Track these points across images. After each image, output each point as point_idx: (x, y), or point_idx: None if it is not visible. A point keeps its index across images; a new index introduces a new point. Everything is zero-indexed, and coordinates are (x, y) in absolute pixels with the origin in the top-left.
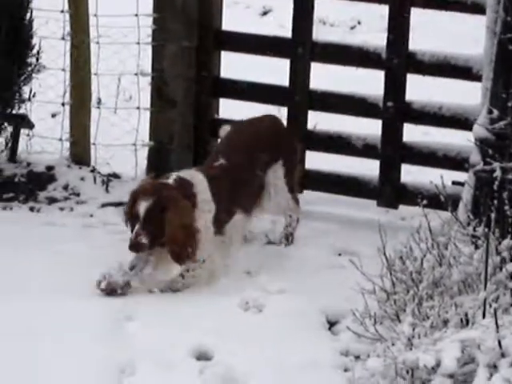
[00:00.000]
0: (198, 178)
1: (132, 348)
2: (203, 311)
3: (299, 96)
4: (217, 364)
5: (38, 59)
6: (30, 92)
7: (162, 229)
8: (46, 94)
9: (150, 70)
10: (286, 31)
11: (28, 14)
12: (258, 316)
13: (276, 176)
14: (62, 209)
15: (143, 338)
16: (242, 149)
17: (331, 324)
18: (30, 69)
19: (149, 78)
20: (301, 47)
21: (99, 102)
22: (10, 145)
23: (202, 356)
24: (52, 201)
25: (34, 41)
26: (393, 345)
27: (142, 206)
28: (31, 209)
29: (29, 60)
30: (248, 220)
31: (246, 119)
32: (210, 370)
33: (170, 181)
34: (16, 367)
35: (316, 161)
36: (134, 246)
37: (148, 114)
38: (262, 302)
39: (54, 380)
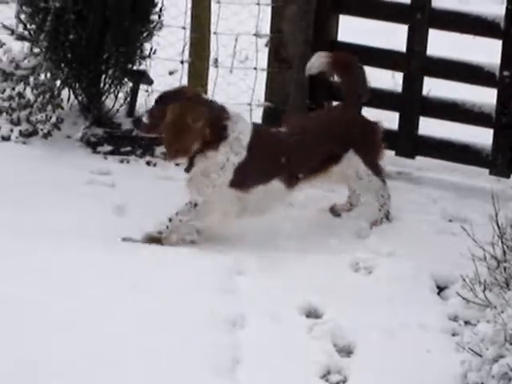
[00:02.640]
0: (242, 120)
1: (243, 302)
2: (313, 269)
3: (415, 62)
4: (326, 322)
5: (160, 16)
6: (151, 49)
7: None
8: (165, 50)
9: (267, 32)
10: None
11: None
12: (367, 277)
13: (351, 164)
14: (177, 164)
15: (254, 293)
16: (307, 131)
17: (440, 289)
18: (151, 26)
19: (265, 40)
20: (419, 13)
21: (216, 61)
22: (128, 100)
23: (312, 313)
24: None
25: None
26: (502, 312)
27: (159, 96)
28: (148, 163)
29: (151, 17)
30: (287, 193)
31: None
32: (319, 327)
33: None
34: (134, 318)
35: (430, 127)
36: (135, 121)
37: (264, 74)
38: (372, 263)
39: (168, 331)
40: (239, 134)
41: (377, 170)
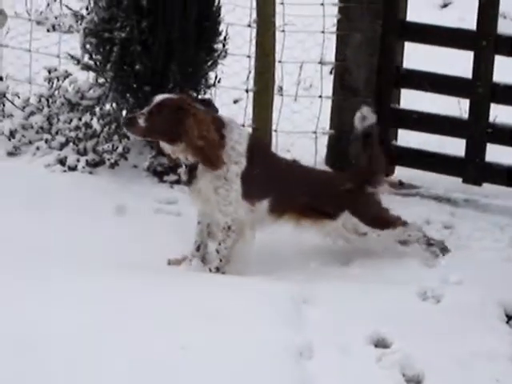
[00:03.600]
0: (236, 127)
1: (310, 331)
2: (381, 298)
3: (482, 88)
4: (394, 352)
5: (224, 45)
6: (216, 78)
7: (168, 127)
8: (229, 79)
9: (331, 59)
10: (467, 24)
11: (216, 1)
12: (435, 306)
13: (350, 224)
14: None
15: (321, 322)
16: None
17: (509, 317)
18: (216, 55)
19: (329, 67)
20: (485, 40)
21: (280, 89)
22: None
23: (380, 343)
24: None
25: (221, 27)
26: None
27: (159, 98)
28: None
29: (216, 46)
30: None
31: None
32: (388, 357)
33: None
34: (200, 347)
35: (496, 153)
36: (127, 121)
37: (328, 102)
38: (440, 292)
39: (234, 361)
40: (235, 142)
41: (381, 224)
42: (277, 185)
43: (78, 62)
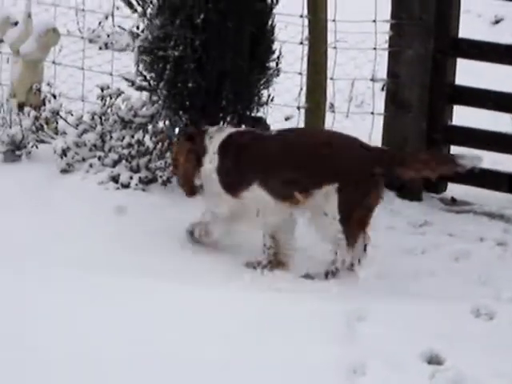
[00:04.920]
0: (219, 131)
1: (363, 348)
2: (434, 315)
3: None
4: (448, 369)
5: (277, 64)
6: (269, 96)
7: None
8: (281, 96)
9: (383, 76)
10: None
11: (270, 20)
12: (488, 323)
13: (327, 200)
14: None
15: (374, 339)
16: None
17: None
18: (269, 73)
19: (380, 84)
20: None
21: (332, 106)
22: None
23: (433, 360)
24: None
25: (275, 46)
26: None
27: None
28: None
29: (269, 65)
30: (276, 203)
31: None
32: (441, 374)
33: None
34: (254, 363)
35: None
36: None
37: (380, 119)
38: (493, 309)
39: (287, 377)
40: (214, 145)
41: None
42: (259, 169)
43: (133, 83)
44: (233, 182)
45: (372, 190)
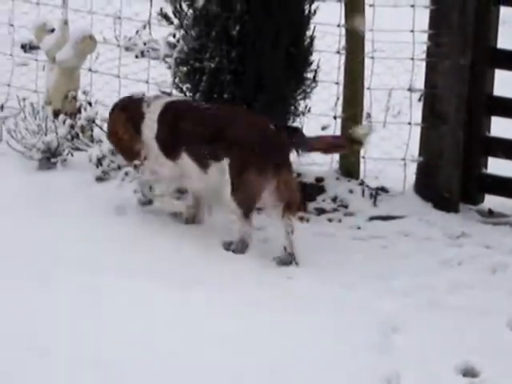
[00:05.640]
0: (156, 99)
1: (398, 359)
2: (469, 327)
3: None
4: (483, 381)
5: (315, 76)
6: (306, 107)
7: None
8: (317, 106)
9: (420, 86)
10: None
11: (308, 31)
12: None
13: (225, 172)
14: (330, 220)
15: (408, 351)
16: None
17: None
18: (306, 84)
19: (418, 94)
20: None
21: (369, 116)
22: None
23: (468, 372)
24: (321, 212)
25: (313, 57)
26: None
27: None
28: (300, 218)
29: (306, 75)
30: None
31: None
32: None
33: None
34: (284, 374)
35: None
36: None
37: (417, 129)
38: None
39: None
40: (153, 113)
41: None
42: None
43: (169, 94)
44: (170, 147)
45: (269, 169)
